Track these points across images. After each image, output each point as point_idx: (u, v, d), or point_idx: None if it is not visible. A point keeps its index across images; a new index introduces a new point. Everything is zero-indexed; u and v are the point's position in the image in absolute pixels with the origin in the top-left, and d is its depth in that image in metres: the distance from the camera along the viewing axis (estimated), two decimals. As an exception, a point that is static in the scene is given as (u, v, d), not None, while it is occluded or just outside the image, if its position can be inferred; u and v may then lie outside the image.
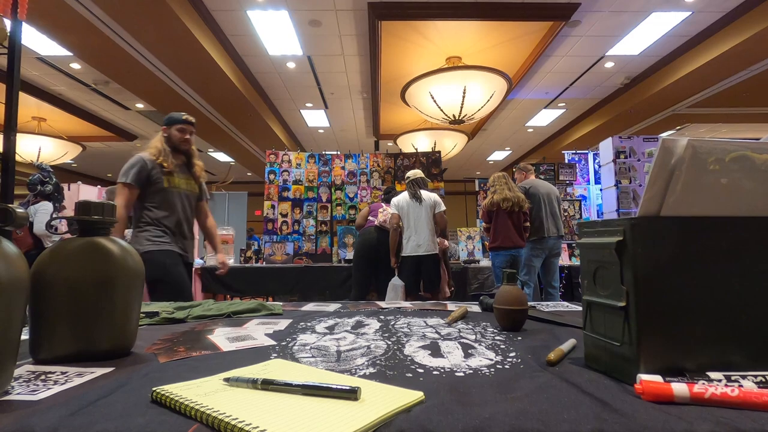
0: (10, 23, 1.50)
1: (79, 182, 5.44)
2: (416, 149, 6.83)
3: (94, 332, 0.71)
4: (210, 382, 0.56)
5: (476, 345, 0.82)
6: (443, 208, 3.50)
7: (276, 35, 5.24)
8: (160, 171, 2.10)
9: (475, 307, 1.31)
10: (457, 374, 0.63)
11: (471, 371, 0.65)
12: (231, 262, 4.50)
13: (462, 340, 0.86)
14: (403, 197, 3.54)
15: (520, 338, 0.88)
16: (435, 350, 0.78)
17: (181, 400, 0.48)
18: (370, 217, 3.89)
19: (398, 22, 4.77)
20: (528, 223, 3.77)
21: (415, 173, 3.61)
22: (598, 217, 5.45)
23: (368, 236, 3.76)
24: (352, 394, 0.49)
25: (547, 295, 3.93)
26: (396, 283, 3.40)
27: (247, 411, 0.45)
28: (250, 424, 0.42)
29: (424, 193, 3.50)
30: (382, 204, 3.95)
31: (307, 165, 5.46)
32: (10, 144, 1.47)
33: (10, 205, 0.63)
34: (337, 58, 5.83)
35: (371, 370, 0.66)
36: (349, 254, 4.63)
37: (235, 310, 1.21)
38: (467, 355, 0.74)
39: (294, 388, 0.51)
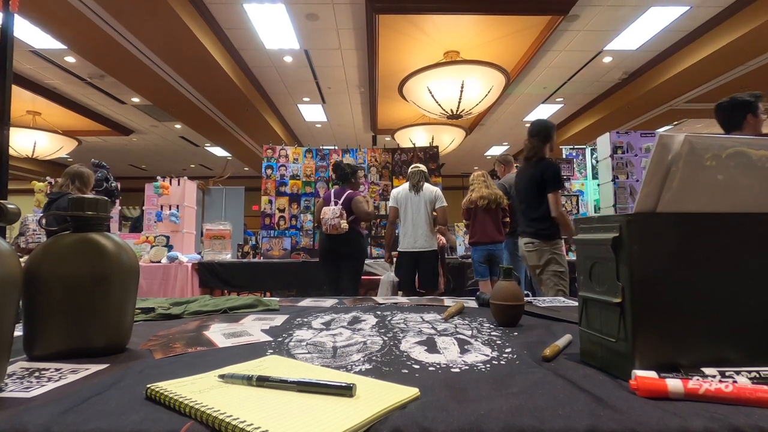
0: (1, 15, 1.48)
1: (75, 177, 5.40)
2: (414, 144, 6.80)
3: (89, 329, 0.70)
4: (205, 379, 0.56)
5: (472, 341, 0.82)
6: (444, 203, 3.40)
7: (273, 29, 5.20)
8: None
9: (471, 303, 1.32)
10: (452, 370, 0.63)
11: (467, 367, 0.65)
12: (228, 257, 4.49)
13: (458, 336, 0.86)
14: (402, 189, 3.47)
15: (516, 334, 0.88)
16: (431, 346, 0.78)
17: (175, 398, 0.48)
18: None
19: (396, 16, 4.73)
20: (508, 218, 3.75)
21: (419, 166, 3.51)
22: (595, 212, 5.45)
23: (322, 238, 3.45)
24: (347, 390, 0.49)
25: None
26: (388, 279, 3.35)
27: (241, 408, 0.45)
28: (245, 421, 0.41)
29: (426, 186, 3.40)
30: (331, 193, 3.45)
31: (305, 160, 5.44)
32: (3, 138, 1.46)
33: (2, 201, 0.62)
34: (334, 52, 5.79)
35: (367, 366, 0.65)
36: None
37: (232, 305, 1.21)
38: (463, 351, 0.74)
39: (289, 385, 0.51)
